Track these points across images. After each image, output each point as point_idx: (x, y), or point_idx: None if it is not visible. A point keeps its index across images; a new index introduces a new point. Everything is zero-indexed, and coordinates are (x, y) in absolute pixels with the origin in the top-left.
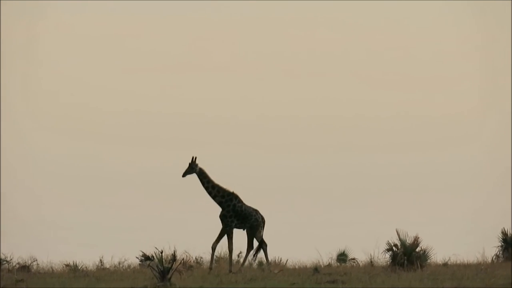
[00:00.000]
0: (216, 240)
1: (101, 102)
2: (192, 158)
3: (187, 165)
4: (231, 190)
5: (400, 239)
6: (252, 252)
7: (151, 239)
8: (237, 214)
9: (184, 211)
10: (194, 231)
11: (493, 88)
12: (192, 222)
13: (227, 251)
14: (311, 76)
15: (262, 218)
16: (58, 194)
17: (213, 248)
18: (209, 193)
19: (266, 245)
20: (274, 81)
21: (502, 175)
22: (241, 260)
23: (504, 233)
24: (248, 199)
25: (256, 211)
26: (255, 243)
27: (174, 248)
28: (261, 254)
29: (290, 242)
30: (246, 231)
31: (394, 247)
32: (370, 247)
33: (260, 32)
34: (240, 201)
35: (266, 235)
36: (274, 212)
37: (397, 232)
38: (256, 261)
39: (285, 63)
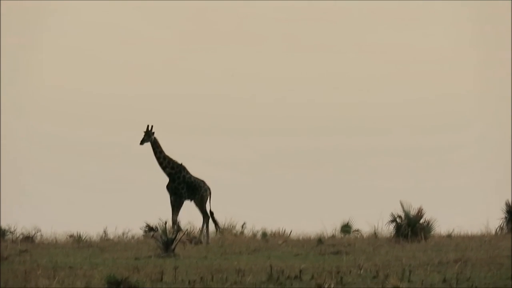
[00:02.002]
0: (174, 214)
1: (98, 76)
2: (148, 126)
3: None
4: (180, 162)
5: (404, 211)
6: (204, 227)
7: (155, 210)
8: (187, 185)
9: None
10: None
11: (493, 61)
12: None
13: (231, 222)
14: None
15: (209, 189)
16: (61, 164)
17: (175, 222)
18: (160, 164)
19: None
20: (272, 51)
21: (506, 146)
22: (245, 231)
23: (508, 205)
24: (253, 171)
25: (203, 182)
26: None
27: (178, 219)
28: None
29: (294, 213)
30: (196, 203)
31: (398, 219)
32: (374, 218)
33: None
34: (188, 172)
35: (272, 206)
36: (278, 183)
37: (401, 203)
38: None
39: (283, 34)
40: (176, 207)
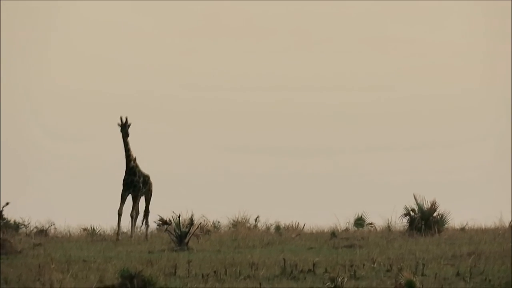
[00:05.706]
0: (127, 206)
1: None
2: (121, 118)
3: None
4: (134, 155)
5: (417, 204)
6: (143, 220)
7: (169, 203)
8: (143, 179)
9: (201, 176)
10: (211, 195)
11: (505, 54)
12: (209, 186)
13: (244, 215)
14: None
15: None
16: (74, 158)
17: (127, 215)
18: (128, 156)
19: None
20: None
21: None
22: (259, 224)
23: None
24: (266, 164)
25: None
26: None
27: (192, 212)
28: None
29: (308, 206)
30: (140, 196)
31: (411, 212)
32: (388, 212)
33: None
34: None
35: (286, 199)
36: (292, 176)
37: (414, 196)
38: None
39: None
40: (122, 199)
